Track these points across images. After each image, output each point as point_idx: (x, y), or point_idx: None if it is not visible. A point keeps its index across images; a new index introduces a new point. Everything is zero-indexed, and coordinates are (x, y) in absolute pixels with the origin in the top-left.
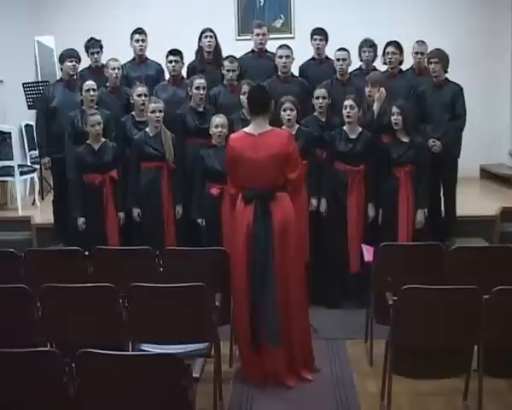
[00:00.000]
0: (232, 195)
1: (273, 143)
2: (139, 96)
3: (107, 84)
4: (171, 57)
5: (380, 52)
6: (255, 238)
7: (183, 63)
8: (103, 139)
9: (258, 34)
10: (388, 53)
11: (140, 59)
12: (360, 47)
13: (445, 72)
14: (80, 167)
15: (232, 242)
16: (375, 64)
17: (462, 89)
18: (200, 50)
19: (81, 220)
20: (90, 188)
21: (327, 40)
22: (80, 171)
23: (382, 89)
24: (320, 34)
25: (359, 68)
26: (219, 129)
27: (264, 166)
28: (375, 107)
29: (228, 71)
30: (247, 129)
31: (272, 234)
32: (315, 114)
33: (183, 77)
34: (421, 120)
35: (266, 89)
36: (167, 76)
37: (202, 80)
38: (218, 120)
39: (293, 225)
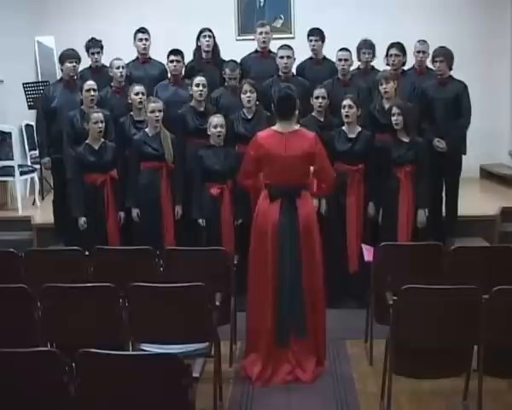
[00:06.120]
0: (248, 185)
1: (301, 142)
2: (136, 94)
3: (112, 84)
4: (172, 57)
5: (379, 53)
6: (281, 234)
7: (183, 63)
8: (102, 139)
9: (261, 33)
10: (391, 55)
11: (143, 58)
12: (359, 48)
13: (450, 69)
14: (81, 167)
15: (256, 239)
16: (373, 64)
17: (466, 86)
18: (197, 50)
19: (82, 220)
20: (91, 188)
21: (323, 40)
22: (81, 170)
23: (394, 83)
24: (315, 34)
25: (357, 68)
26: (218, 129)
27: (292, 164)
28: (387, 102)
29: (230, 79)
30: (275, 127)
31: (298, 229)
32: (313, 113)
33: (183, 77)
34: (425, 117)
35: (292, 95)
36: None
37: (202, 78)
38: (216, 119)
39: (316, 222)
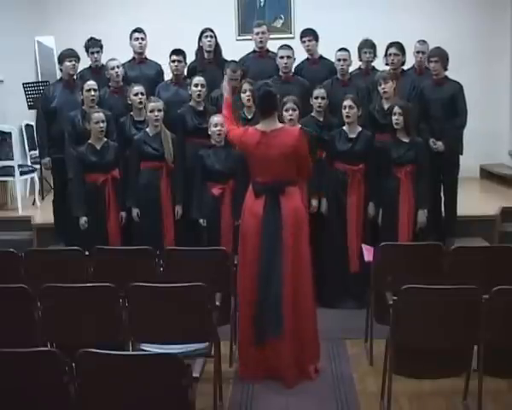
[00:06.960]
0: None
1: (284, 138)
2: (135, 95)
3: (110, 84)
4: (174, 57)
5: (381, 53)
6: (264, 231)
7: (185, 63)
8: (105, 139)
9: (257, 33)
10: (390, 54)
11: (139, 58)
12: (360, 48)
13: (445, 69)
14: (83, 167)
15: (242, 236)
16: (374, 64)
17: (462, 87)
18: (199, 50)
19: (83, 219)
20: (92, 187)
21: (317, 39)
22: (82, 170)
23: (392, 83)
24: (308, 35)
25: (359, 68)
26: (218, 127)
27: (275, 162)
28: (386, 103)
29: (231, 79)
30: (258, 126)
31: (281, 227)
32: (312, 114)
33: (185, 77)
34: (423, 117)
35: (272, 91)
36: (167, 76)
37: (201, 78)
38: (217, 119)
39: (304, 219)
